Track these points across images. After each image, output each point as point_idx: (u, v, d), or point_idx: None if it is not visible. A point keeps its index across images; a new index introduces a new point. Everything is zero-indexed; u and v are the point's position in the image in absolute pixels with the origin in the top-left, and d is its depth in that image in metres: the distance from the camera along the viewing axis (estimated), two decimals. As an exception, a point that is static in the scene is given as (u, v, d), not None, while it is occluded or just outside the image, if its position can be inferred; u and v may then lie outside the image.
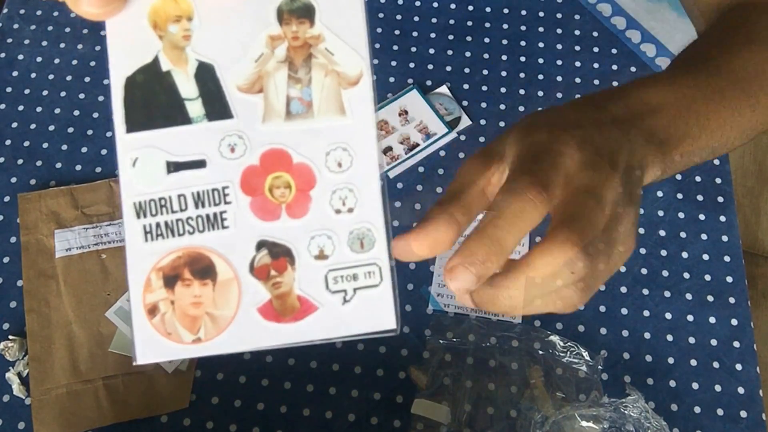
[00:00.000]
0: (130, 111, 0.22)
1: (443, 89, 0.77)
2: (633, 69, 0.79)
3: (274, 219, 0.23)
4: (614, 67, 0.79)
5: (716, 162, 0.74)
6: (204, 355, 0.22)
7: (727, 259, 0.69)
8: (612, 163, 0.33)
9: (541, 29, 0.81)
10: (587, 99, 0.39)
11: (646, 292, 0.67)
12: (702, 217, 0.71)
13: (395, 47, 0.80)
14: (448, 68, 0.79)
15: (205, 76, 0.23)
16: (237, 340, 0.22)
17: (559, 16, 0.82)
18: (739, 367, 0.64)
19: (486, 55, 0.80)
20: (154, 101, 0.22)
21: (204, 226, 0.23)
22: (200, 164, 0.23)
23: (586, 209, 0.31)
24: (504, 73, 0.79)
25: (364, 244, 0.23)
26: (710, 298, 0.67)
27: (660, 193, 0.72)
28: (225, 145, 0.23)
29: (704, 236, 0.70)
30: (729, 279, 0.68)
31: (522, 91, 0.78)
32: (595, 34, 0.81)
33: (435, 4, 0.82)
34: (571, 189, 0.31)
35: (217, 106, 0.23)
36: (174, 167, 0.22)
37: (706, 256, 0.69)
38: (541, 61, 0.79)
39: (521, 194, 0.30)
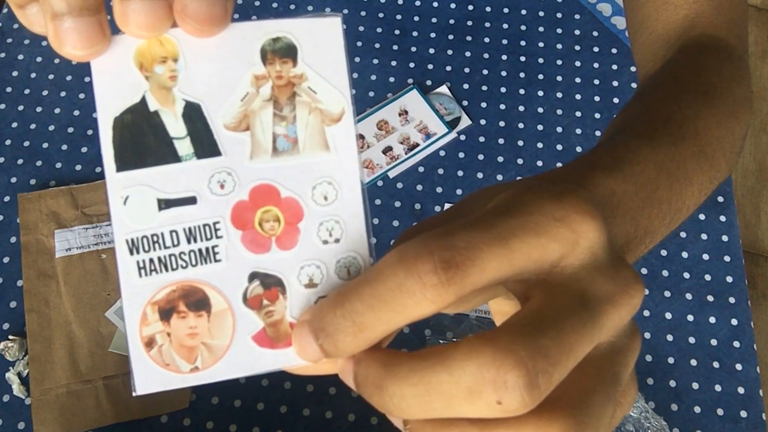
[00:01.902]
0: (119, 150, 0.23)
1: (443, 89, 0.77)
2: (633, 69, 0.79)
3: (264, 251, 0.24)
4: (614, 67, 0.79)
5: (716, 162, 0.74)
6: (202, 383, 0.23)
7: (727, 259, 0.69)
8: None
9: (541, 29, 0.81)
10: (548, 180, 0.29)
11: (646, 292, 0.67)
12: (702, 217, 0.71)
13: (395, 47, 0.80)
14: (448, 68, 0.79)
15: (193, 115, 0.23)
16: (234, 367, 0.23)
17: (559, 16, 0.82)
18: (739, 367, 0.64)
19: (486, 55, 0.80)
20: (143, 140, 0.23)
21: (197, 260, 0.23)
22: (191, 201, 0.23)
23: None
24: (504, 73, 0.79)
25: (350, 272, 0.24)
26: (710, 298, 0.67)
27: (660, 193, 0.72)
28: (215, 181, 0.23)
29: (704, 236, 0.70)
30: (729, 279, 0.68)
31: (522, 91, 0.78)
32: (595, 34, 0.81)
33: (435, 4, 0.83)
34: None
35: (205, 145, 0.23)
36: (165, 204, 0.23)
37: (706, 256, 0.69)
38: (541, 61, 0.79)
39: (408, 267, 0.21)
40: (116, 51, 0.23)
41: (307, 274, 0.24)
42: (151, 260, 0.23)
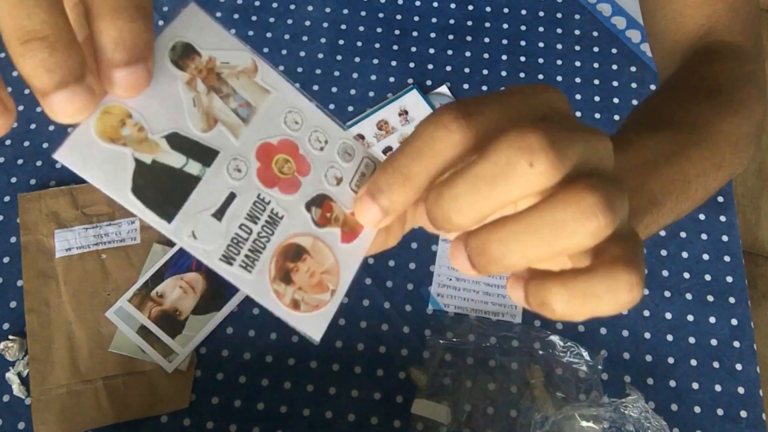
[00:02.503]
0: (156, 208, 0.26)
1: (443, 89, 0.77)
2: (633, 69, 0.79)
3: (298, 186, 0.29)
4: (614, 67, 0.79)
5: (716, 162, 0.74)
6: (344, 294, 0.28)
7: (727, 259, 0.69)
8: None
9: (541, 29, 0.81)
10: None
11: (646, 292, 0.67)
12: (702, 217, 0.71)
13: (395, 47, 0.80)
14: (448, 68, 0.79)
15: (177, 142, 0.26)
16: (348, 269, 0.29)
17: (559, 16, 0.82)
18: (739, 367, 0.64)
19: (486, 55, 0.80)
20: (165, 187, 0.26)
21: (270, 228, 0.28)
22: (232, 197, 0.27)
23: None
24: (504, 73, 0.79)
25: (348, 153, 0.30)
26: (710, 298, 0.67)
27: (660, 193, 0.72)
28: (232, 170, 0.28)
29: (704, 236, 0.70)
30: (729, 279, 0.68)
31: (522, 91, 0.78)
32: (595, 34, 0.81)
33: (435, 4, 0.82)
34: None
35: (204, 155, 0.27)
36: (219, 213, 0.27)
37: (706, 256, 0.69)
38: (541, 61, 0.79)
39: (436, 121, 0.26)
40: (79, 143, 0.25)
41: (333, 176, 0.30)
42: (246, 256, 0.27)
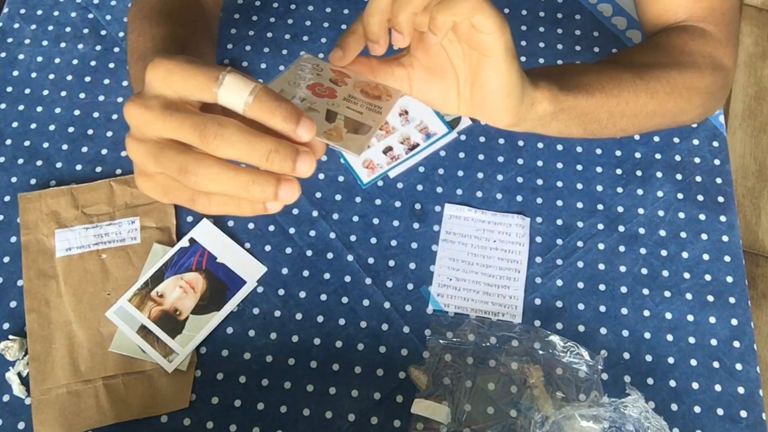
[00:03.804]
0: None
1: (443, 89, 0.77)
2: (633, 69, 0.79)
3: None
4: (614, 67, 0.79)
5: (716, 162, 0.74)
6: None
7: (727, 259, 0.69)
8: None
9: (541, 29, 0.81)
10: None
11: (646, 292, 0.67)
12: (702, 217, 0.71)
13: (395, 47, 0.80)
14: (449, 68, 0.79)
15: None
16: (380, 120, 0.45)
17: (559, 16, 0.82)
18: (739, 367, 0.64)
19: (486, 55, 0.79)
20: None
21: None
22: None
23: None
24: (504, 73, 0.78)
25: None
26: (710, 298, 0.67)
27: (660, 193, 0.72)
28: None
29: (704, 236, 0.70)
30: (729, 279, 0.68)
31: (522, 91, 0.77)
32: (596, 34, 0.81)
33: (435, 4, 0.82)
34: None
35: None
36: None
37: (706, 256, 0.69)
38: (541, 60, 0.79)
39: None
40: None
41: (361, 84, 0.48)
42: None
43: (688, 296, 0.67)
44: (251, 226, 0.70)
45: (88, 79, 0.78)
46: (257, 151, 0.33)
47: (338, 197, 0.71)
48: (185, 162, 0.34)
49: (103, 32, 0.81)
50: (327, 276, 0.68)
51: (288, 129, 0.34)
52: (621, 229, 0.70)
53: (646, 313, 0.66)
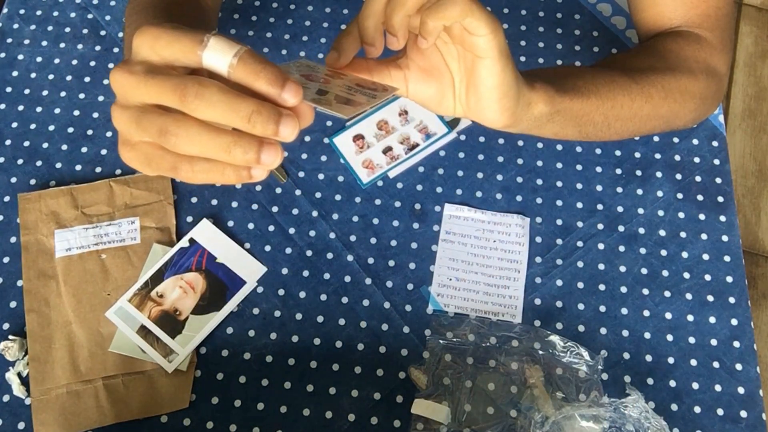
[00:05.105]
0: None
1: (443, 89, 0.77)
2: (633, 69, 0.79)
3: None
4: (614, 67, 0.79)
5: (716, 162, 0.74)
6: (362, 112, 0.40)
7: (727, 259, 0.69)
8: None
9: (541, 29, 0.81)
10: None
11: (646, 292, 0.67)
12: (702, 217, 0.71)
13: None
14: (448, 68, 0.79)
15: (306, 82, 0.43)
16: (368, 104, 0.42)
17: (559, 16, 0.82)
18: (739, 367, 0.64)
19: (486, 55, 0.79)
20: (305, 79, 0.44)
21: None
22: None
23: None
24: (504, 73, 0.78)
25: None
26: (710, 298, 0.67)
27: (660, 193, 0.72)
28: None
29: (704, 236, 0.70)
30: (729, 279, 0.68)
31: (522, 91, 0.77)
32: (595, 34, 0.81)
33: (435, 4, 0.82)
34: None
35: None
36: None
37: (706, 256, 0.69)
38: (541, 60, 0.79)
39: None
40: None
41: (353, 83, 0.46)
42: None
43: (688, 296, 0.67)
44: (251, 226, 0.70)
45: (87, 79, 0.78)
46: (239, 112, 0.32)
47: (338, 197, 0.71)
48: (165, 123, 0.33)
49: (103, 32, 0.81)
50: (327, 276, 0.68)
51: (273, 93, 0.33)
52: (621, 229, 0.70)
53: (646, 313, 0.67)
